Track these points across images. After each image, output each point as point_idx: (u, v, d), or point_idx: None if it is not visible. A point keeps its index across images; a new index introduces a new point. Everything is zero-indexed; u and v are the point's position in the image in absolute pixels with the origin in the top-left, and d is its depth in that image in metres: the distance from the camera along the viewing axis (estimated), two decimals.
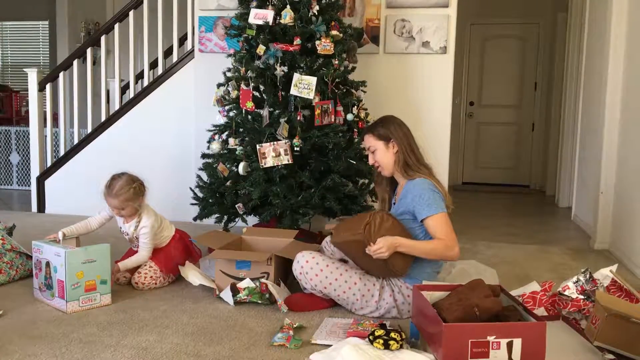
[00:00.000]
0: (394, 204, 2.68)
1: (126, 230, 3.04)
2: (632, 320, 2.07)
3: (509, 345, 1.90)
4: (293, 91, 3.33)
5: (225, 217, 3.65)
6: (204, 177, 3.72)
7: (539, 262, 3.63)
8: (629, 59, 3.84)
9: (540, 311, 2.52)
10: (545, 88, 7.08)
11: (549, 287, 2.60)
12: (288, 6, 3.38)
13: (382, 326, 2.24)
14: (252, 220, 3.79)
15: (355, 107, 3.57)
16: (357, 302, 2.55)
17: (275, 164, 3.33)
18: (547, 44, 7.02)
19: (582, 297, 2.43)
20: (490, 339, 1.89)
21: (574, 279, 2.50)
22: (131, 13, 4.75)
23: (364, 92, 3.71)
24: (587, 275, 2.49)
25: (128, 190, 2.92)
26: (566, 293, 2.47)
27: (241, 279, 2.74)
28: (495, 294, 2.22)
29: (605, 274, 2.57)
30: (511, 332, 1.91)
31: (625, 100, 3.87)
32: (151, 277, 2.94)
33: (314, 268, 2.56)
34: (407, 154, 2.56)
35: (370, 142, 2.62)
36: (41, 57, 7.74)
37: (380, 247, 2.36)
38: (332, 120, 3.39)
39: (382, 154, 2.61)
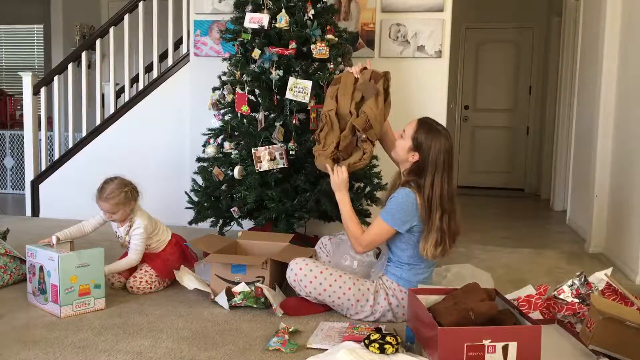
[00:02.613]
0: None
1: (119, 234, 3.03)
2: (627, 323, 2.08)
3: (505, 349, 1.90)
4: (288, 95, 3.32)
5: (221, 221, 3.64)
6: (199, 180, 3.71)
7: (534, 266, 3.64)
8: (622, 63, 3.86)
9: (536, 315, 2.52)
10: (539, 92, 7.11)
11: (544, 291, 2.61)
12: (283, 10, 3.38)
13: (378, 330, 2.24)
14: (248, 224, 3.78)
15: None
16: (352, 307, 2.54)
17: (271, 168, 3.33)
18: (541, 48, 7.05)
19: (577, 300, 2.44)
20: (486, 342, 1.89)
21: (569, 282, 2.50)
22: (126, 17, 4.75)
23: None
24: (582, 279, 2.50)
25: (119, 194, 2.91)
26: (561, 296, 2.47)
27: (236, 283, 2.74)
28: (490, 297, 2.22)
29: (600, 278, 2.57)
30: (506, 335, 1.91)
31: (619, 103, 3.88)
32: (146, 281, 2.93)
33: (308, 275, 2.55)
34: (425, 176, 2.43)
35: (408, 131, 2.49)
36: (36, 61, 7.71)
37: (333, 174, 2.62)
38: None
39: (402, 147, 2.52)
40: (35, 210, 4.96)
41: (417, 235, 2.49)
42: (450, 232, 2.46)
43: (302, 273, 2.56)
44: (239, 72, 3.45)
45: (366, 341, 2.12)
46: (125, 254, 3.08)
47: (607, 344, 2.10)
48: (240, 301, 2.66)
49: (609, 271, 2.59)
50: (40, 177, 4.96)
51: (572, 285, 2.48)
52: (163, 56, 4.97)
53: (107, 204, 2.91)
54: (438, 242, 2.43)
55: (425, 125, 2.50)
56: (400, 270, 2.54)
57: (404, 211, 2.44)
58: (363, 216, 3.65)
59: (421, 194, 2.43)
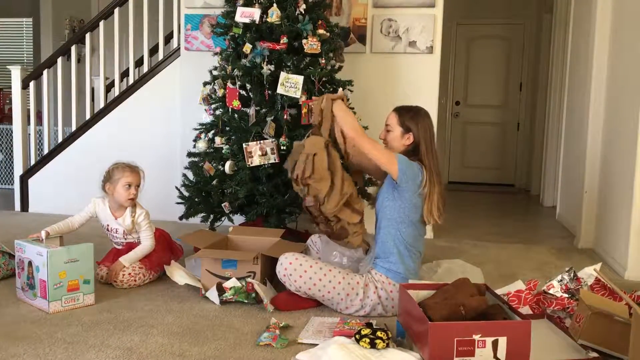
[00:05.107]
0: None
1: (116, 227, 3.01)
2: (616, 318, 2.09)
3: (495, 344, 1.91)
4: (279, 90, 3.32)
5: (212, 216, 3.64)
6: (190, 176, 3.70)
7: (523, 261, 3.66)
8: (613, 60, 3.88)
9: (525, 310, 2.53)
10: (530, 88, 7.13)
11: (534, 286, 2.62)
12: (275, 4, 3.37)
13: (369, 325, 2.24)
14: (239, 219, 3.77)
15: None
16: (342, 301, 2.55)
17: (262, 163, 3.32)
18: (532, 45, 7.07)
19: (566, 295, 2.45)
20: (476, 337, 1.90)
21: (559, 277, 2.52)
22: (116, 10, 4.71)
23: (351, 91, 3.70)
24: (572, 274, 2.51)
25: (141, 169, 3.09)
26: (551, 292, 2.49)
27: (227, 279, 2.73)
28: (480, 292, 2.23)
29: (589, 273, 2.59)
30: (496, 330, 1.92)
31: (609, 100, 3.90)
32: (129, 274, 2.90)
33: (298, 270, 2.55)
34: (421, 150, 2.60)
35: (392, 122, 2.65)
36: (25, 55, 7.65)
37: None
38: None
39: (394, 138, 2.64)
40: (25, 205, 4.92)
41: (407, 207, 2.55)
42: (443, 196, 2.63)
43: (291, 268, 2.56)
44: (230, 67, 3.44)
45: (357, 336, 2.12)
46: (113, 250, 3.07)
47: (596, 338, 2.11)
48: (231, 296, 2.66)
49: (598, 266, 2.61)
50: (29, 172, 4.92)
51: (561, 281, 2.50)
52: (153, 50, 4.94)
53: (138, 175, 3.01)
54: (442, 204, 2.60)
55: (405, 109, 2.68)
56: (389, 263, 2.54)
57: (412, 171, 2.52)
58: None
59: (426, 167, 2.56)
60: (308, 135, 2.78)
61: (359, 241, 2.73)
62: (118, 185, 2.96)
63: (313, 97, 3.00)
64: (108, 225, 3.04)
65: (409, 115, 2.63)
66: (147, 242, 3.00)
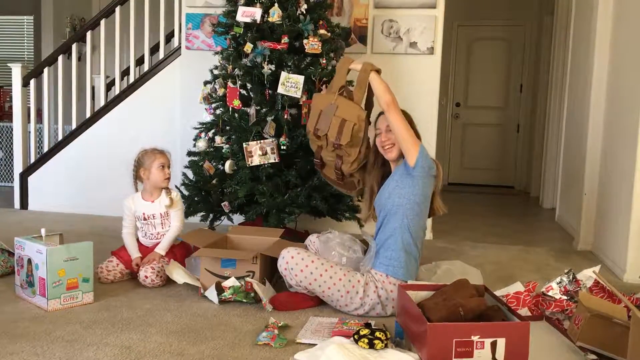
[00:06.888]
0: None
1: (153, 212, 3.04)
2: (614, 320, 2.10)
3: (493, 345, 1.91)
4: (280, 90, 3.32)
5: (211, 215, 3.64)
6: (190, 175, 3.70)
7: (523, 263, 3.66)
8: (613, 61, 3.88)
9: (524, 311, 2.53)
10: (530, 90, 7.14)
11: (533, 288, 2.62)
12: (276, 4, 3.38)
13: (367, 325, 2.24)
14: (238, 218, 3.77)
15: None
16: (341, 298, 2.54)
17: (262, 163, 3.32)
18: (533, 47, 7.08)
19: (565, 297, 2.46)
20: (475, 338, 1.90)
21: (558, 279, 2.52)
22: (117, 9, 4.71)
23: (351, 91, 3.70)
24: (570, 276, 2.52)
25: None
26: (549, 293, 2.49)
27: (226, 278, 2.73)
28: (479, 294, 2.23)
29: (588, 275, 2.59)
30: (495, 331, 1.92)
31: (609, 102, 3.91)
32: (160, 276, 2.90)
33: (299, 264, 2.55)
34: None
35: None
36: (25, 53, 7.64)
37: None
38: None
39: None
40: (24, 203, 4.92)
41: (417, 195, 2.58)
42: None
43: (293, 262, 2.56)
44: (230, 66, 3.45)
45: (355, 336, 2.13)
46: (123, 248, 3.06)
47: (595, 340, 2.11)
48: (230, 296, 2.66)
49: (597, 269, 2.61)
50: (29, 170, 4.92)
51: (560, 283, 2.50)
52: (154, 49, 4.94)
53: (167, 156, 3.10)
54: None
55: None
56: (389, 259, 2.55)
57: (428, 162, 2.58)
58: (353, 211, 3.65)
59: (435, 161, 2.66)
60: (341, 93, 2.82)
61: (357, 193, 3.02)
62: (153, 168, 3.04)
63: (343, 57, 3.03)
64: (144, 213, 3.05)
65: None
66: (176, 223, 3.07)
